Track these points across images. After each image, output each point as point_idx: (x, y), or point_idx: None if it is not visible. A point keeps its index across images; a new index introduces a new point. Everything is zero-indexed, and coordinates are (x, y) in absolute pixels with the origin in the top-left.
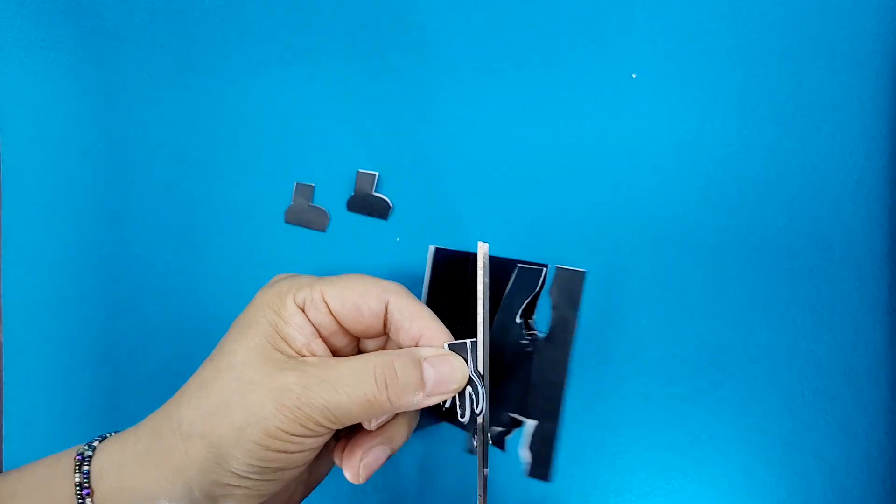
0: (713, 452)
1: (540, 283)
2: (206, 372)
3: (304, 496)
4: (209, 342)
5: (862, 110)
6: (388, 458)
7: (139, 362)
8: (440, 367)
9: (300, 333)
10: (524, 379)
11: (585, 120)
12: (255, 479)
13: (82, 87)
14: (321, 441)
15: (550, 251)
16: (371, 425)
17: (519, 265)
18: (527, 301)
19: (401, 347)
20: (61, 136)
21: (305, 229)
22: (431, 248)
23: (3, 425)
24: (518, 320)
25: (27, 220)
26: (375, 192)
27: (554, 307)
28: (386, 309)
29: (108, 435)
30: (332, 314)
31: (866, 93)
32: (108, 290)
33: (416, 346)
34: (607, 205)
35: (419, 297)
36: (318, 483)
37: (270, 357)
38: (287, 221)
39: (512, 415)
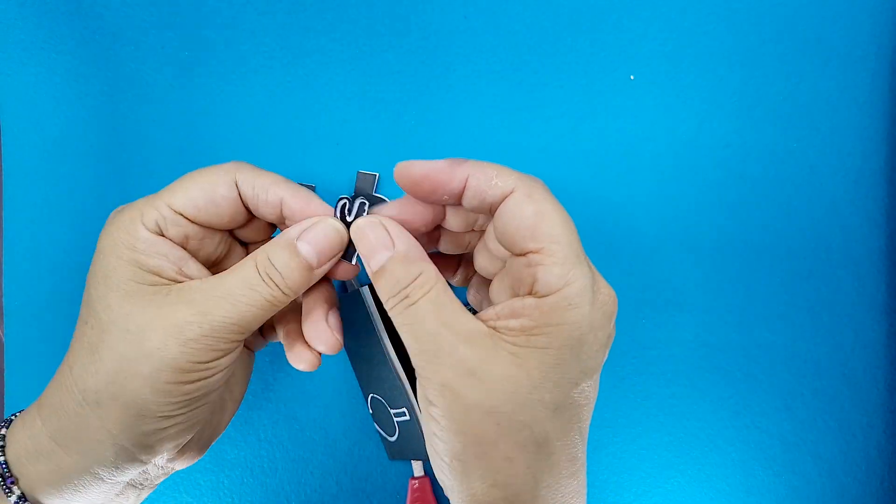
0: (712, 452)
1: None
2: (88, 335)
3: (236, 408)
4: None
5: (859, 111)
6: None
7: None
8: (314, 239)
9: (167, 261)
10: None
11: (584, 121)
12: (183, 414)
13: (84, 88)
14: (236, 354)
15: None
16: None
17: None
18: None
19: (267, 221)
20: (63, 137)
21: None
22: (366, 290)
23: None
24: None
25: (29, 221)
26: (375, 192)
27: None
28: (238, 190)
29: (13, 417)
30: (191, 221)
31: (863, 94)
32: None
33: (281, 212)
34: (606, 205)
35: (382, 340)
36: (244, 390)
37: (149, 297)
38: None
39: None
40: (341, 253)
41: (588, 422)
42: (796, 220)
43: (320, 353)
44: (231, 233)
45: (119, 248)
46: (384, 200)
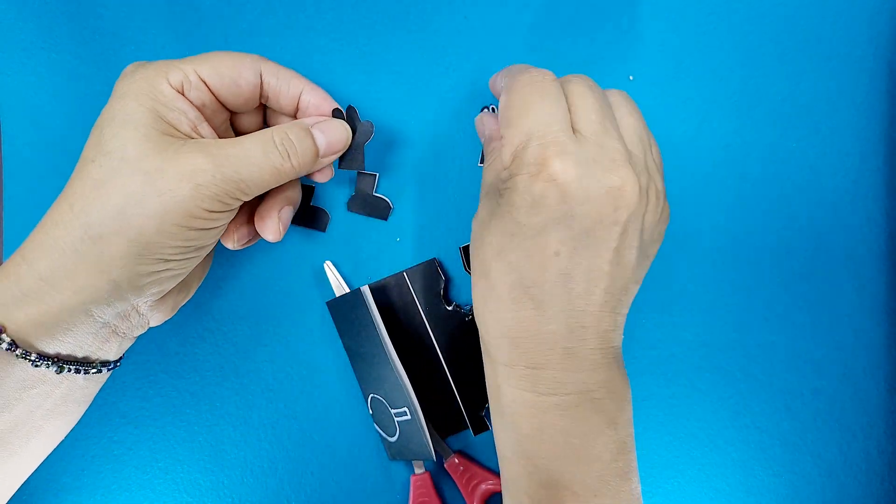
0: (712, 452)
1: (440, 274)
2: (95, 172)
3: (205, 272)
4: (209, 340)
5: (857, 112)
6: (293, 214)
7: (139, 362)
8: (328, 131)
9: (185, 118)
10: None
11: None
12: (177, 261)
13: (84, 89)
14: (232, 215)
15: None
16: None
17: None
18: (439, 292)
19: (282, 112)
20: (63, 137)
21: (306, 229)
22: (365, 289)
23: None
24: (449, 308)
25: (30, 221)
26: (375, 192)
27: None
28: (261, 78)
29: None
30: (211, 92)
31: (861, 94)
32: None
33: (297, 106)
34: None
35: (382, 340)
36: (208, 267)
37: (164, 144)
38: None
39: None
40: (343, 151)
41: (535, 276)
42: (796, 220)
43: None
44: (231, 121)
45: (141, 95)
46: (385, 201)
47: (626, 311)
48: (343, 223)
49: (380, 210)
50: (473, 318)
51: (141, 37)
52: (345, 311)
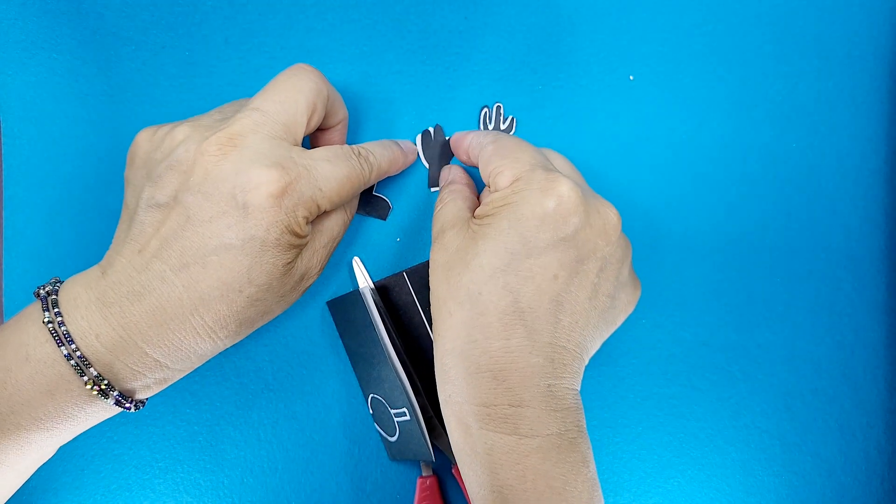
0: (712, 452)
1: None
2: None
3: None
4: None
5: (857, 112)
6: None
7: None
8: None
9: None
10: None
11: (583, 121)
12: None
13: (84, 89)
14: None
15: None
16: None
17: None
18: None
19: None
20: (63, 137)
21: None
22: (365, 289)
23: None
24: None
25: (30, 221)
26: (375, 192)
27: None
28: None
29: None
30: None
31: (861, 94)
32: None
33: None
34: None
35: (382, 340)
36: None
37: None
38: None
39: None
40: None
41: (532, 300)
42: (796, 220)
43: None
44: None
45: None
46: (385, 201)
47: (587, 359)
48: None
49: (380, 210)
50: None
51: (141, 37)
52: (345, 311)
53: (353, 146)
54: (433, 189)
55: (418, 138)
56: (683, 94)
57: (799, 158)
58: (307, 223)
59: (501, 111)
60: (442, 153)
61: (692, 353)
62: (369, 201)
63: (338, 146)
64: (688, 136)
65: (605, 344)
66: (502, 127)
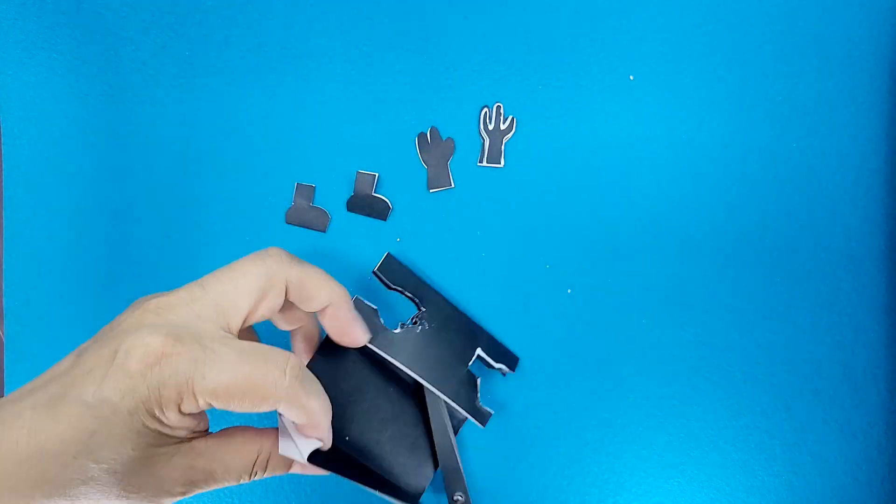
0: (712, 452)
1: (368, 307)
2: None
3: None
4: None
5: (857, 112)
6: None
7: None
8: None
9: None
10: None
11: (583, 121)
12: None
13: (84, 89)
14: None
15: (550, 251)
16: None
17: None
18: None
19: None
20: (63, 137)
21: (306, 230)
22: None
23: None
24: (398, 331)
25: (30, 221)
26: (375, 192)
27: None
28: (286, 286)
29: None
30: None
31: (861, 94)
32: (109, 291)
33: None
34: (606, 205)
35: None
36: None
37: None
38: (288, 222)
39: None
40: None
41: None
42: (796, 220)
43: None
44: None
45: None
46: (384, 201)
47: None
48: (343, 223)
49: (379, 210)
50: (429, 326)
51: (141, 37)
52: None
53: (289, 358)
54: (432, 190)
55: (416, 141)
56: (683, 94)
57: (799, 158)
58: (176, 411)
59: (501, 111)
60: (441, 154)
61: (692, 353)
62: (369, 202)
63: (270, 348)
64: (688, 136)
65: (605, 344)
66: (502, 127)
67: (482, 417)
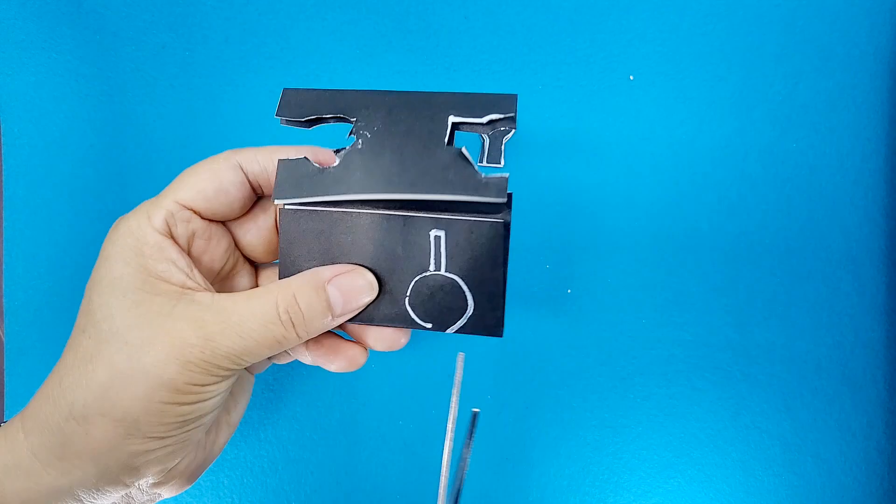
0: (712, 452)
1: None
2: (84, 344)
3: (231, 432)
4: None
5: (857, 112)
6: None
7: None
8: (345, 285)
9: (175, 267)
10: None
11: (583, 121)
12: (174, 436)
13: (84, 88)
14: (232, 381)
15: (549, 251)
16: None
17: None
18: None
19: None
20: (63, 137)
21: None
22: None
23: None
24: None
25: (29, 221)
26: None
27: None
28: (243, 171)
29: None
30: (200, 216)
31: (861, 94)
32: None
33: None
34: (606, 205)
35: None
36: (242, 414)
37: (155, 308)
38: None
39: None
40: (361, 309)
41: None
42: (796, 221)
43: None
44: (237, 246)
45: (127, 253)
46: None
47: None
48: None
49: None
50: (372, 132)
51: (141, 37)
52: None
53: (279, 302)
54: None
55: None
56: (683, 94)
57: (799, 158)
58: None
59: None
60: None
61: (692, 353)
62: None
63: (249, 303)
64: (688, 136)
65: (605, 344)
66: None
67: (493, 190)
